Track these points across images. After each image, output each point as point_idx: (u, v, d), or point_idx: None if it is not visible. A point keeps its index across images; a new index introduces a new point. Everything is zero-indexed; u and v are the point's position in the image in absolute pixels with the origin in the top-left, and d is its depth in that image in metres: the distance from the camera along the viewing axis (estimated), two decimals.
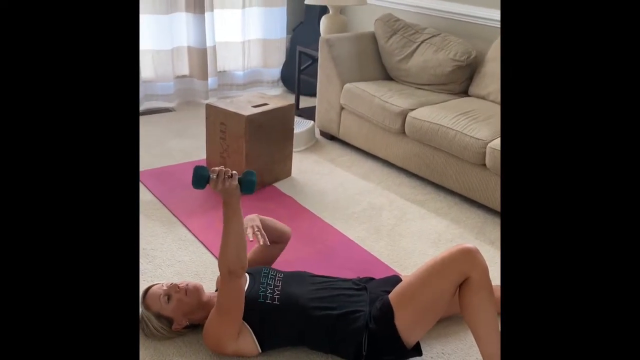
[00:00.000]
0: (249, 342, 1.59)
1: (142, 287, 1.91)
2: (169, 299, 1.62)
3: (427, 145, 2.74)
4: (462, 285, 1.53)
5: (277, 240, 1.90)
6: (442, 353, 1.72)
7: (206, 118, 2.68)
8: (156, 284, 1.68)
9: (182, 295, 1.62)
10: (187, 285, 1.64)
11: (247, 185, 1.50)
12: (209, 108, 2.65)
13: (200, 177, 1.47)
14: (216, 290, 1.80)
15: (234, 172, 1.50)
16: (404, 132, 2.85)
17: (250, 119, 2.54)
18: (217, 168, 1.49)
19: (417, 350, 1.61)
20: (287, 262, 2.11)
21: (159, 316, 1.63)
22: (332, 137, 3.40)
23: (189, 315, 1.65)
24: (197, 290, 1.65)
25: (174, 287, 1.63)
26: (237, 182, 1.48)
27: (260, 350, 1.61)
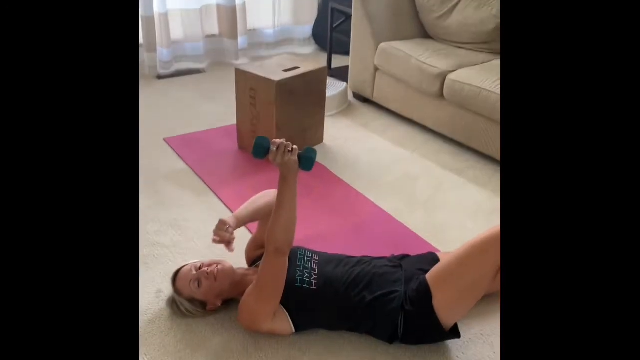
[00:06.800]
0: (284, 324, 1.57)
1: (173, 263, 1.90)
2: (199, 284, 1.59)
3: (467, 109, 2.60)
4: None
5: (269, 215, 1.63)
6: (481, 334, 1.66)
7: (236, 83, 2.59)
8: (185, 266, 1.65)
9: (212, 282, 1.59)
10: (216, 269, 1.60)
11: (306, 162, 1.46)
12: (238, 73, 2.56)
13: (260, 147, 1.44)
14: (251, 266, 1.77)
15: (295, 146, 1.45)
16: (442, 96, 2.70)
17: (281, 84, 2.44)
18: (278, 140, 1.44)
19: (454, 332, 1.55)
20: (319, 236, 2.06)
21: (191, 300, 1.61)
22: (365, 100, 3.27)
23: (221, 296, 1.63)
24: (226, 274, 1.61)
25: (203, 273, 1.59)
26: (296, 157, 1.44)
27: (294, 331, 1.59)
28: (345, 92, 3.20)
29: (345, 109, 3.19)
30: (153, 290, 1.77)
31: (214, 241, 1.59)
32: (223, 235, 1.59)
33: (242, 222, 1.67)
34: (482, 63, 2.74)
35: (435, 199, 2.34)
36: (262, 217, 1.71)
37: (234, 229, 1.62)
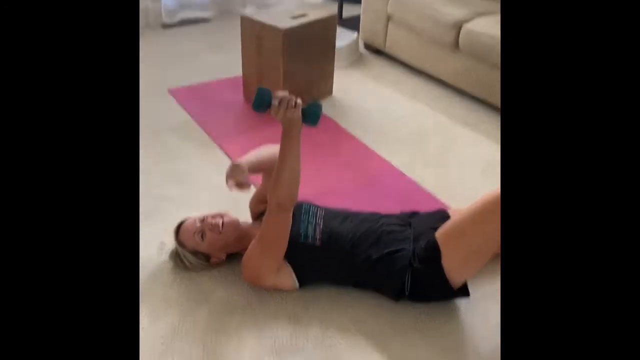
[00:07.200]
0: (287, 278, 1.53)
1: (176, 216, 1.85)
2: (202, 236, 1.55)
3: (483, 61, 2.48)
4: None
5: (272, 168, 1.57)
6: (490, 293, 1.61)
7: (241, 32, 2.49)
8: (189, 219, 1.60)
9: (217, 234, 1.55)
10: (221, 220, 1.56)
11: (311, 118, 1.38)
12: (244, 20, 2.45)
13: (261, 101, 1.34)
14: (256, 220, 1.73)
15: (299, 100, 1.35)
16: (457, 46, 2.58)
17: (288, 32, 2.33)
18: (280, 93, 1.34)
19: (463, 291, 1.51)
20: (327, 191, 2.01)
21: (195, 252, 1.57)
22: (377, 51, 3.14)
23: (225, 249, 1.59)
24: (231, 226, 1.57)
25: (207, 225, 1.55)
26: (300, 113, 1.35)
27: (298, 287, 1.55)
28: (356, 42, 3.07)
29: (356, 61, 3.08)
30: (156, 243, 1.74)
31: (230, 186, 1.49)
32: (240, 178, 1.50)
33: (250, 169, 1.58)
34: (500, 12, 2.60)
35: (447, 154, 2.26)
36: (266, 169, 1.63)
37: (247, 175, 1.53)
